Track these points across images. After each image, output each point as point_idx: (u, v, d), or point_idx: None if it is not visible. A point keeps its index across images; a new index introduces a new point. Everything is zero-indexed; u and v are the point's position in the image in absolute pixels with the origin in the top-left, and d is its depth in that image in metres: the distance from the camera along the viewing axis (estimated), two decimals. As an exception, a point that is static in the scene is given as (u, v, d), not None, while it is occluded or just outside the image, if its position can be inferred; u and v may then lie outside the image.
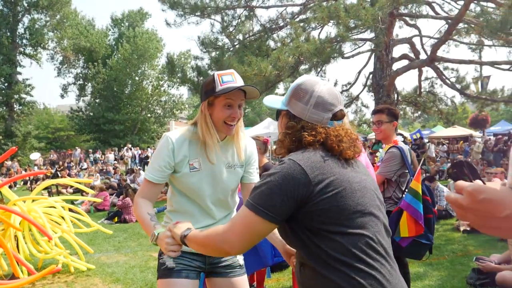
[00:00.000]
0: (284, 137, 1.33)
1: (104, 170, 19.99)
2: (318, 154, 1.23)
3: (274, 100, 1.46)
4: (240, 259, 1.96)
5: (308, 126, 1.29)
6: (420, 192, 2.74)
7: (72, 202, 10.05)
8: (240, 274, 1.93)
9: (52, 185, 11.99)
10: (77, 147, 27.96)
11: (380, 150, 3.19)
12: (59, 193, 12.12)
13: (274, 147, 1.51)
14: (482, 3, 11.02)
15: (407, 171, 3.02)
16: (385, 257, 1.19)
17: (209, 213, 1.85)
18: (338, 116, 1.32)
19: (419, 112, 16.03)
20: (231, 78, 1.70)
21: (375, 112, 3.24)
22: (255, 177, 1.94)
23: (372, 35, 12.00)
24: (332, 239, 1.15)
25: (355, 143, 1.30)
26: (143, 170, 19.67)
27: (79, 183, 6.45)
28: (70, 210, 5.54)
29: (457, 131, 23.08)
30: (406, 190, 2.94)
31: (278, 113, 1.43)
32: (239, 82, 1.72)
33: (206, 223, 1.82)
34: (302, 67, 12.60)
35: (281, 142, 1.35)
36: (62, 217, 5.11)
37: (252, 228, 1.21)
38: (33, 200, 5.07)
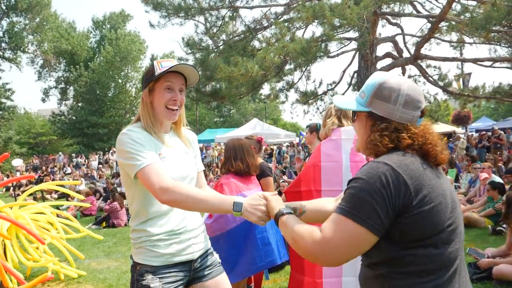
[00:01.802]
0: (380, 138, 1.22)
1: (89, 175, 19.68)
2: (414, 160, 1.16)
3: (348, 101, 1.36)
4: (217, 256, 1.95)
5: (400, 126, 1.22)
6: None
7: (57, 207, 9.85)
8: (221, 272, 1.91)
9: (37, 191, 11.72)
10: (60, 152, 27.46)
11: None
12: (44, 199, 11.86)
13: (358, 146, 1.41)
14: (462, 1, 11.22)
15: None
16: (461, 276, 1.17)
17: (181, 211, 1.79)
18: (423, 113, 1.25)
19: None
20: (170, 63, 1.70)
21: None
22: (201, 166, 1.98)
23: (356, 34, 12.11)
24: (414, 251, 1.11)
25: (444, 146, 1.24)
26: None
27: (66, 186, 6.30)
28: (58, 215, 5.41)
29: (440, 127, 23.47)
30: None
31: (354, 114, 1.35)
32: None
33: (181, 224, 1.75)
34: (287, 66, 12.64)
35: (374, 143, 1.24)
36: (51, 223, 4.98)
37: (356, 241, 1.11)
38: (20, 207, 4.93)
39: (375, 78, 1.29)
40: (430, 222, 1.10)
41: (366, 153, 1.32)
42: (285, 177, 11.61)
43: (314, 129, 4.08)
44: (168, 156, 1.72)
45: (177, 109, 1.74)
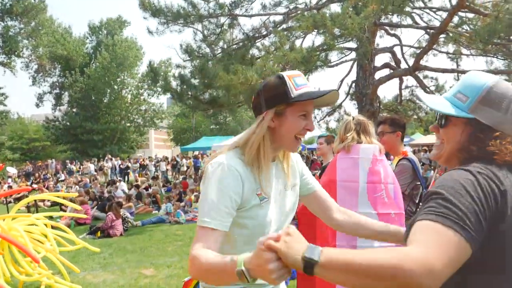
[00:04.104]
0: (468, 147, 1.10)
1: (83, 182, 19.40)
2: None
3: (442, 103, 1.17)
4: None
5: (503, 137, 1.07)
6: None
7: (51, 217, 9.64)
8: None
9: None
10: (53, 159, 27.15)
11: (390, 163, 3.08)
12: (37, 208, 11.62)
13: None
14: (461, 13, 11.25)
15: (419, 183, 2.92)
16: None
17: None
18: None
19: (399, 119, 16.24)
20: (304, 81, 1.38)
21: (378, 124, 3.16)
22: (316, 183, 1.65)
23: (355, 44, 12.10)
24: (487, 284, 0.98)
25: None
26: (124, 181, 19.18)
27: (63, 197, 6.13)
28: (53, 227, 5.24)
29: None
30: (420, 203, 2.83)
31: (445, 119, 1.17)
32: (310, 85, 1.40)
33: None
34: (285, 75, 12.59)
35: (461, 151, 1.12)
36: (45, 235, 4.80)
37: (457, 253, 0.87)
38: (13, 218, 4.75)
39: (482, 80, 1.12)
40: None
41: (448, 162, 1.18)
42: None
43: (331, 140, 4.02)
44: (270, 195, 1.45)
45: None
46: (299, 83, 1.35)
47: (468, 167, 1.02)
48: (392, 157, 3.16)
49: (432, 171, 15.33)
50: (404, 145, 11.63)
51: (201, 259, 1.20)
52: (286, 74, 1.37)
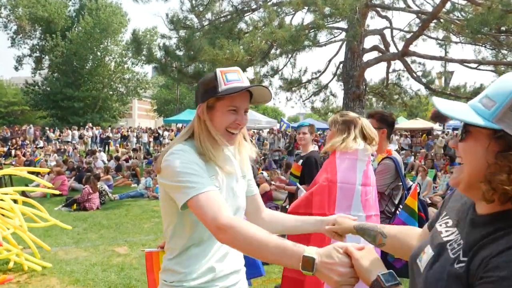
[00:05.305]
0: (495, 176, 0.81)
1: (62, 150, 19.01)
2: None
3: (461, 109, 0.90)
4: None
5: None
6: (416, 210, 2.57)
7: (23, 192, 9.37)
8: None
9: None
10: (31, 125, 26.42)
11: (372, 159, 2.99)
12: (12, 179, 11.27)
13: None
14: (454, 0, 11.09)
15: (401, 183, 2.85)
16: None
17: None
18: None
19: (383, 102, 16.29)
20: (237, 77, 1.39)
21: (367, 117, 3.02)
22: (256, 188, 1.68)
23: (345, 24, 11.88)
24: None
25: None
26: (104, 152, 18.87)
27: (36, 173, 5.94)
28: (25, 202, 5.08)
29: (419, 123, 23.79)
30: (400, 205, 2.77)
31: (464, 130, 0.91)
32: (245, 82, 1.40)
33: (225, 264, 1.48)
34: (273, 51, 12.35)
35: (488, 182, 0.82)
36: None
37: None
38: (-19, 192, 4.57)
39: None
40: None
41: (469, 192, 0.90)
42: (266, 174, 11.34)
43: (313, 130, 4.09)
44: (222, 185, 1.44)
45: (237, 133, 1.45)
46: (230, 78, 1.38)
47: None
48: (375, 153, 3.05)
49: (413, 157, 15.51)
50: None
51: (244, 230, 1.17)
52: (220, 70, 1.41)
